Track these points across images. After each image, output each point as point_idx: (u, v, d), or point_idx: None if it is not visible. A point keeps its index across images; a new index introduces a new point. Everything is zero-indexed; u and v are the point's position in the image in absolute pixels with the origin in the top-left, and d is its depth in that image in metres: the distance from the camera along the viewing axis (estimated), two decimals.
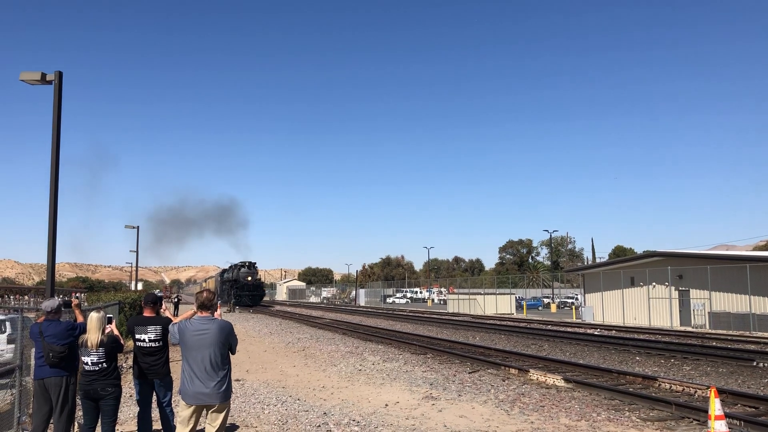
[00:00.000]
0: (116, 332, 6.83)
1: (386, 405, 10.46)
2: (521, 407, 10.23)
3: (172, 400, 7.52)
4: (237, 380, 12.85)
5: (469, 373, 14.22)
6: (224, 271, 74.72)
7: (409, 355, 18.16)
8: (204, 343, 5.64)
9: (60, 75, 14.11)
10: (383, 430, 8.59)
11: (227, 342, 5.77)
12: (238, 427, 8.78)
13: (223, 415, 5.74)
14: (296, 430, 8.60)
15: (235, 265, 65.81)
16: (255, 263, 64.82)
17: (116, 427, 6.82)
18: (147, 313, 7.47)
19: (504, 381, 13.04)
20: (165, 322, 7.40)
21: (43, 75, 14.10)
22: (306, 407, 10.20)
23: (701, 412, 9.02)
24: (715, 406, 6.56)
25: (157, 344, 7.24)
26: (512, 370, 14.36)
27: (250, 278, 62.09)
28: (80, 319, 7.80)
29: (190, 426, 5.72)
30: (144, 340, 7.16)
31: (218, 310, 6.14)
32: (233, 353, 5.94)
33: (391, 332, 26.86)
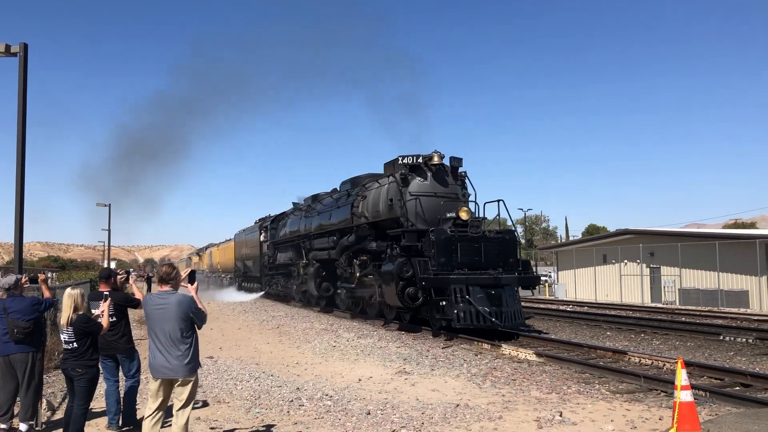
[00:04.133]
0: (107, 312, 6.71)
1: (359, 380, 10.49)
2: (493, 381, 10.33)
3: (141, 374, 7.50)
4: (210, 357, 12.79)
5: (442, 348, 14.31)
6: (280, 216, 31.86)
7: (383, 331, 18.22)
8: (164, 317, 5.69)
9: (25, 47, 13.62)
10: (356, 403, 8.63)
11: (187, 316, 5.74)
12: (209, 404, 8.75)
13: (188, 388, 5.76)
14: (269, 405, 8.59)
15: (375, 176, 20.71)
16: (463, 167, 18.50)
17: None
18: (102, 288, 7.46)
19: (476, 356, 13.16)
20: (120, 297, 7.38)
21: (8, 47, 13.66)
22: (279, 383, 10.19)
23: (669, 384, 9.19)
24: (682, 377, 6.67)
25: (113, 319, 7.19)
26: (485, 345, 14.49)
27: (465, 216, 16.69)
28: (47, 294, 7.69)
29: (160, 399, 5.78)
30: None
31: (194, 284, 6.06)
32: (200, 327, 5.91)
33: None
